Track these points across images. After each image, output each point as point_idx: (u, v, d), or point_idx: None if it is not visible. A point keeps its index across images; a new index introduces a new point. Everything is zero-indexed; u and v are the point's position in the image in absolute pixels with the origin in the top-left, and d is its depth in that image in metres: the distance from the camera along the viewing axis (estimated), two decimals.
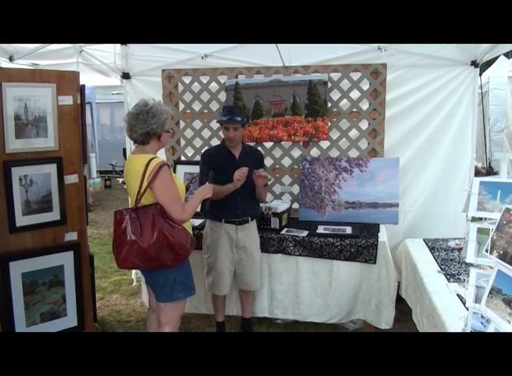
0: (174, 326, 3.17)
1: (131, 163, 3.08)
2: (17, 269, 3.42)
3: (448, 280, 3.21)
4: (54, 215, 3.58)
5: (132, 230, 2.90)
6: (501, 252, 1.85)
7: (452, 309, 2.71)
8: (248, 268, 3.84)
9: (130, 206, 3.12)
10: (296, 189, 4.58)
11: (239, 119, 3.70)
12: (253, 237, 3.88)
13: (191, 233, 3.23)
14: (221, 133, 4.69)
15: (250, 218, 3.83)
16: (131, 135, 3.07)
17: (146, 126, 2.97)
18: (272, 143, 4.61)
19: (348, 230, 4.01)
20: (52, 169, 3.53)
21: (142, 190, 2.93)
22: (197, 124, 4.77)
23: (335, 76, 4.41)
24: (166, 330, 3.14)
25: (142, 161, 2.95)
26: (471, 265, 2.20)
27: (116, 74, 5.18)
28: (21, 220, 3.42)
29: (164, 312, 3.15)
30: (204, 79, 4.70)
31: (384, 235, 3.98)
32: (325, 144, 4.54)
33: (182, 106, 4.79)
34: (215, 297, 3.97)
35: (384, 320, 3.84)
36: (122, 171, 11.62)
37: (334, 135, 4.49)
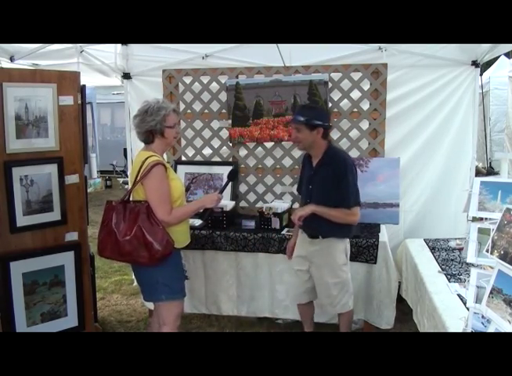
0: (171, 326, 3.16)
1: (135, 159, 3.16)
2: (18, 269, 3.43)
3: (448, 280, 3.21)
4: (55, 215, 3.59)
5: (115, 222, 2.98)
6: (502, 252, 1.85)
7: (453, 309, 2.71)
8: (319, 288, 3.50)
9: None
10: None
11: (302, 119, 3.26)
12: (325, 257, 3.40)
13: (186, 238, 3.26)
14: (221, 133, 4.72)
15: (321, 236, 3.39)
16: (137, 136, 3.15)
17: (144, 125, 3.04)
18: (272, 143, 4.60)
19: None
20: (52, 169, 3.54)
21: (134, 185, 3.00)
22: (198, 124, 4.76)
23: (336, 76, 4.40)
24: (164, 330, 3.15)
25: (140, 158, 3.04)
26: (472, 265, 2.20)
27: (116, 74, 5.19)
28: (22, 220, 3.43)
29: (159, 312, 3.19)
30: (205, 79, 4.69)
31: (384, 235, 3.97)
32: None
33: (182, 106, 4.78)
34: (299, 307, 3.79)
35: (385, 320, 3.83)
36: (123, 171, 11.76)
37: (335, 135, 4.48)
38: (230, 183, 3.35)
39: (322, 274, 3.42)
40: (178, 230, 3.12)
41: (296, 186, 4.49)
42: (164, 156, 4.64)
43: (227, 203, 4.17)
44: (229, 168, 4.56)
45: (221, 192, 3.32)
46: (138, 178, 2.98)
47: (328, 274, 3.40)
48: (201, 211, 3.29)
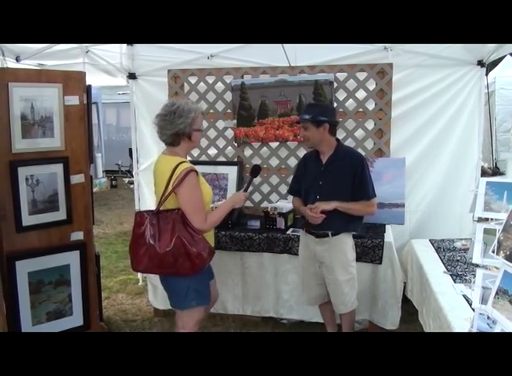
0: (189, 330, 3.10)
1: (159, 164, 3.04)
2: (23, 269, 3.44)
3: (454, 280, 3.20)
4: (60, 215, 3.59)
5: (151, 234, 2.87)
6: (507, 253, 1.84)
7: (459, 310, 2.70)
8: (331, 287, 3.46)
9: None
10: None
11: (307, 116, 3.30)
12: (336, 255, 3.38)
13: (212, 241, 3.14)
14: (226, 133, 4.72)
15: (330, 234, 3.36)
16: (161, 137, 3.01)
17: (173, 127, 2.92)
18: (277, 143, 4.61)
19: None
20: (58, 169, 3.55)
21: (167, 194, 2.89)
22: (203, 124, 4.76)
23: (341, 76, 4.40)
24: None
25: (170, 164, 2.91)
26: (477, 265, 2.19)
27: (122, 74, 5.20)
28: (27, 219, 3.44)
29: (179, 316, 3.14)
30: (210, 79, 4.70)
31: (389, 235, 3.97)
32: None
33: None
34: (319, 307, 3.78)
35: (390, 321, 3.82)
36: (128, 170, 11.82)
37: (340, 135, 4.45)
38: (250, 178, 3.32)
39: (333, 273, 3.39)
40: (210, 233, 3.07)
41: None
42: None
43: None
44: (235, 167, 4.58)
45: (246, 190, 3.25)
46: (171, 186, 2.86)
47: (340, 272, 3.38)
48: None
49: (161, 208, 2.94)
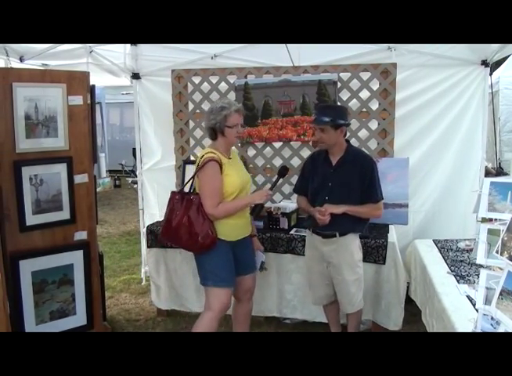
0: (215, 313, 3.30)
1: None
2: (27, 268, 3.45)
3: (458, 281, 3.19)
4: (64, 214, 3.61)
5: (172, 209, 3.27)
6: (511, 253, 1.83)
7: (462, 311, 2.69)
8: (338, 287, 3.46)
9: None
10: None
11: (327, 119, 3.24)
12: (343, 255, 3.38)
13: (241, 230, 3.39)
14: None
15: (338, 234, 3.36)
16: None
17: (207, 123, 3.31)
18: (281, 143, 4.61)
19: None
20: (62, 169, 3.56)
21: (191, 178, 3.30)
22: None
23: (344, 76, 4.39)
24: (207, 315, 3.31)
25: (201, 154, 3.31)
26: (481, 266, 2.19)
27: (126, 74, 5.20)
28: (31, 219, 3.45)
29: (206, 296, 3.34)
30: (214, 79, 4.70)
31: (393, 235, 3.96)
32: None
33: (191, 106, 4.79)
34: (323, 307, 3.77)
35: (393, 321, 3.82)
36: (132, 170, 11.84)
37: None
38: (277, 177, 3.42)
39: (341, 273, 3.39)
40: (230, 223, 3.28)
41: None
42: (173, 156, 4.71)
43: None
44: None
45: (272, 188, 3.43)
46: (195, 172, 3.24)
47: (347, 272, 3.38)
48: (252, 206, 3.34)
49: (190, 191, 3.33)
